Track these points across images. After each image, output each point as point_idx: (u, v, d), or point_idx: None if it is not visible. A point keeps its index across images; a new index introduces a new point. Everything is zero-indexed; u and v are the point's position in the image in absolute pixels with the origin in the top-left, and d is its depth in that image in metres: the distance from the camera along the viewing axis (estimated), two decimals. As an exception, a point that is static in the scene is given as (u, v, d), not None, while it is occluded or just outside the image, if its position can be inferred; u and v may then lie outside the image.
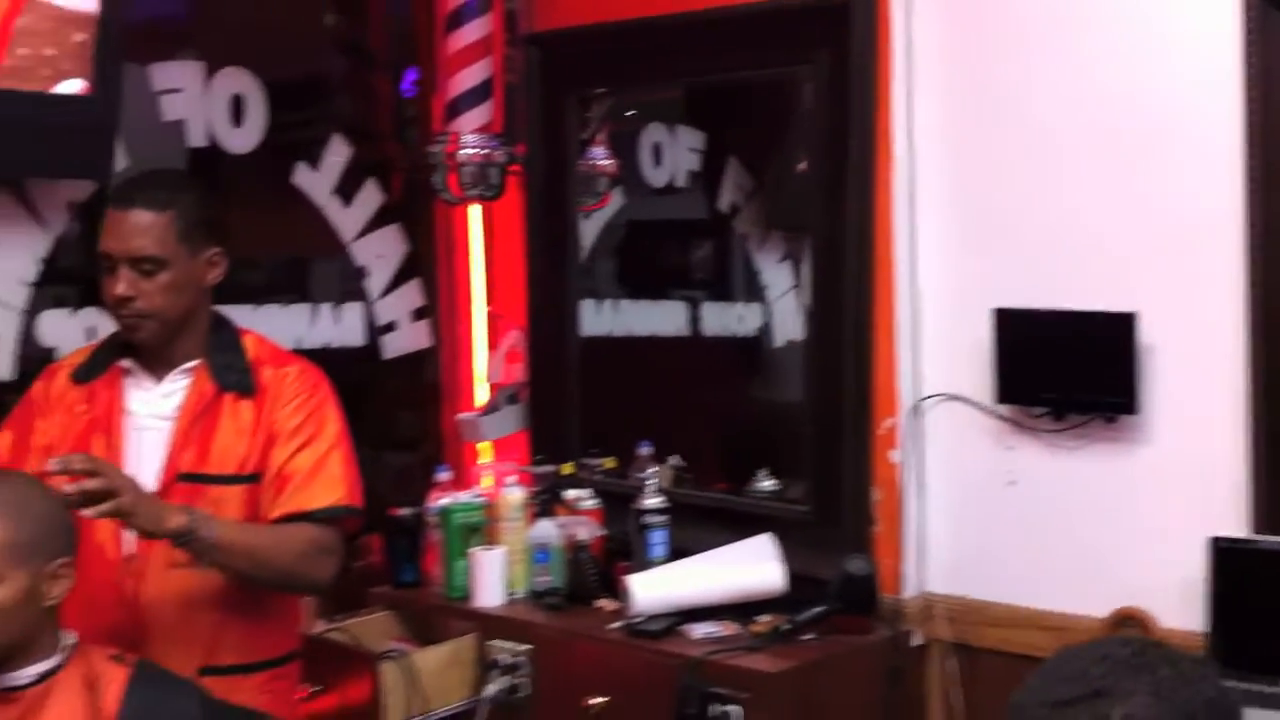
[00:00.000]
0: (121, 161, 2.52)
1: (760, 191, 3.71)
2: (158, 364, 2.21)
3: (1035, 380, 2.49)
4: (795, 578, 2.60)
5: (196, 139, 2.82)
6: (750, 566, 2.65)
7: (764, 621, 2.56)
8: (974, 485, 2.61)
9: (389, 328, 3.18)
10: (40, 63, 2.30)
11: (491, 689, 2.65)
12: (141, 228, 2.10)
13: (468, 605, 2.79)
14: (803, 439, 3.08)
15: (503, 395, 3.25)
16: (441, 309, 3.30)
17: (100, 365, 2.22)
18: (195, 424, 2.18)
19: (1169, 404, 2.36)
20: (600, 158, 3.23)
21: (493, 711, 2.63)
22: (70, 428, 2.18)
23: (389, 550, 3.01)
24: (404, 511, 2.95)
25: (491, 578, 2.79)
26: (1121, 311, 2.35)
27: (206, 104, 2.82)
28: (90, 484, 1.88)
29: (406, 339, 3.24)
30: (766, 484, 3.10)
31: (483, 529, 2.87)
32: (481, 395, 3.34)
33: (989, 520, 2.60)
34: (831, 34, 2.60)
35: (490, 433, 3.23)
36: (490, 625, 2.73)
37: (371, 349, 3.17)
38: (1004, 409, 2.54)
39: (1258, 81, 2.23)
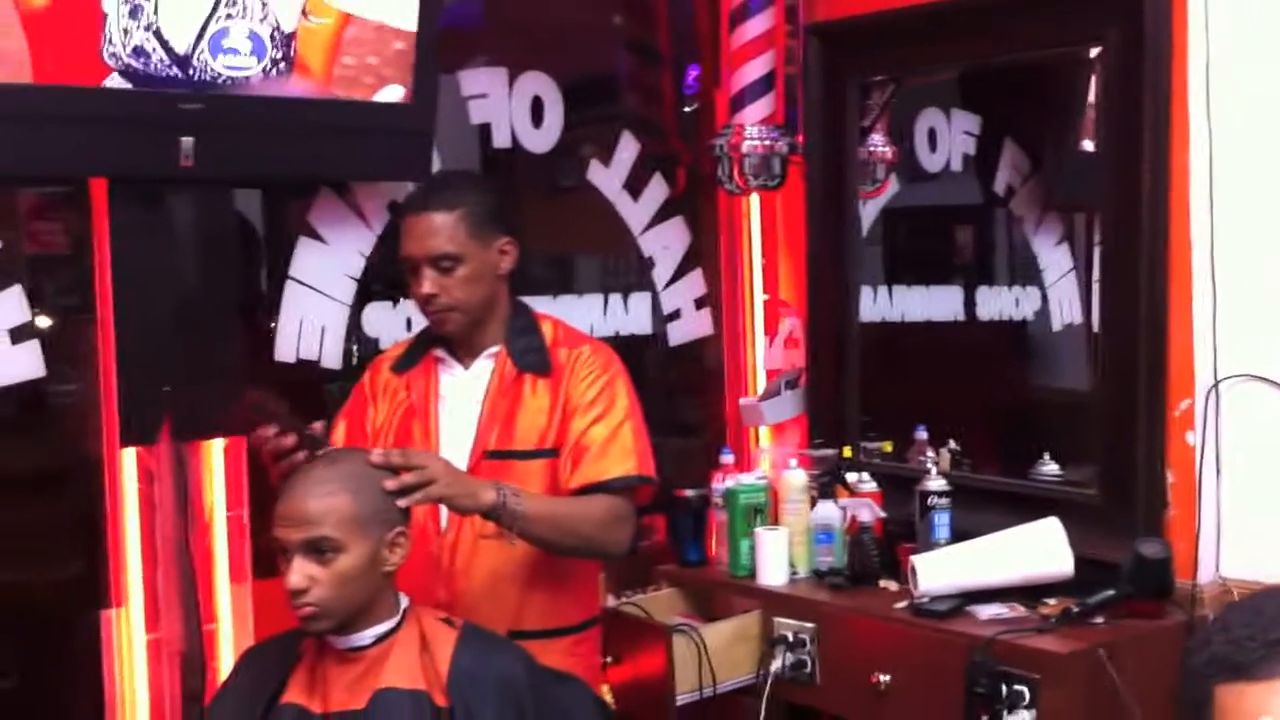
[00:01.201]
0: (436, 164, 2.70)
1: (1037, 173, 3.67)
2: (465, 351, 2.39)
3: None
4: (1080, 561, 2.58)
5: (501, 140, 2.98)
6: (1037, 549, 2.63)
7: (1051, 604, 2.55)
8: (1274, 467, 2.53)
9: (674, 316, 3.30)
10: (364, 71, 2.49)
11: (777, 664, 2.71)
12: (436, 229, 2.27)
13: (752, 583, 2.87)
14: (1084, 422, 3.06)
15: (782, 381, 3.32)
16: (723, 298, 3.40)
17: (416, 356, 2.42)
18: (499, 404, 2.34)
19: None
20: (879, 144, 3.26)
21: (778, 686, 2.70)
22: (393, 414, 2.38)
23: (674, 530, 3.12)
24: (689, 492, 3.07)
25: (775, 557, 2.86)
26: None
27: (509, 107, 2.99)
28: (408, 478, 2.03)
29: (690, 327, 3.35)
30: (1048, 468, 3.09)
31: (765, 510, 2.95)
32: (759, 381, 3.43)
33: (1293, 504, 2.53)
34: (1124, 10, 2.56)
35: (770, 417, 3.31)
36: (774, 603, 2.79)
37: (658, 337, 3.30)
38: (1311, 389, 2.47)
39: None
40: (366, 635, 1.98)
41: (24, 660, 2.61)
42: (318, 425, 2.17)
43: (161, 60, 2.26)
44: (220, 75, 2.33)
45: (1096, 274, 3.35)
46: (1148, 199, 2.54)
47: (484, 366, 2.39)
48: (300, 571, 1.91)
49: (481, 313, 2.35)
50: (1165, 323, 2.57)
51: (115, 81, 2.23)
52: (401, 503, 2.02)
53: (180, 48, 2.28)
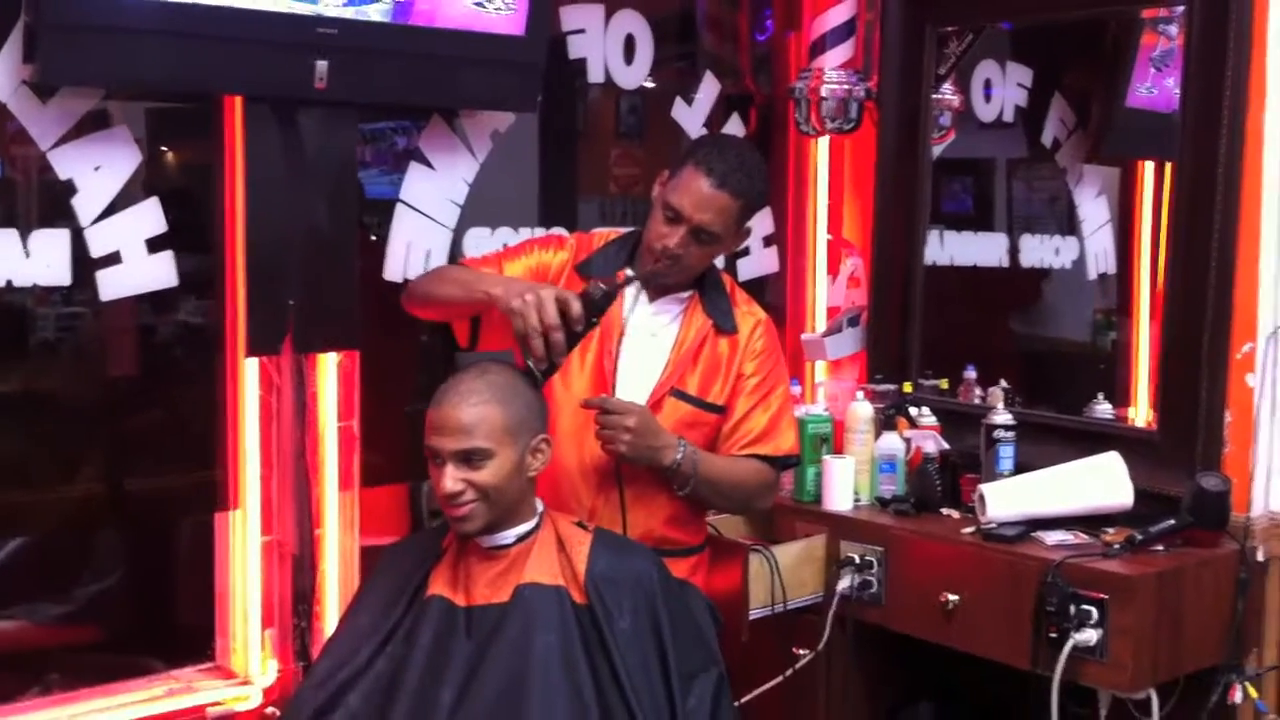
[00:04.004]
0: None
1: (1083, 126, 3.81)
2: (655, 288, 2.48)
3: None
4: (1139, 494, 2.73)
5: (595, 76, 3.08)
6: (1099, 482, 2.78)
7: (1112, 533, 2.69)
8: (1329, 411, 2.69)
9: (744, 253, 3.41)
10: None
11: (844, 584, 2.85)
12: (715, 205, 2.37)
13: (818, 508, 3.00)
14: (1123, 363, 3.17)
15: (845, 318, 3.45)
16: (788, 236, 3.51)
17: (605, 266, 2.46)
18: (691, 348, 2.47)
19: None
20: (948, 93, 3.38)
21: (845, 605, 2.84)
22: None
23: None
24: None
25: (842, 484, 2.99)
26: None
27: (604, 43, 3.07)
28: (605, 433, 2.26)
29: (758, 263, 3.46)
30: (1102, 407, 3.25)
31: (830, 439, 3.09)
32: (819, 318, 3.56)
33: (1343, 445, 2.69)
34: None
35: (833, 353, 3.44)
36: (840, 527, 2.93)
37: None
38: (1368, 337, 2.62)
39: None
40: (509, 535, 2.11)
41: (145, 559, 2.73)
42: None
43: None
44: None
45: (1147, 224, 3.53)
46: (1225, 154, 2.66)
47: (669, 309, 2.49)
48: (453, 477, 2.03)
49: (693, 275, 2.48)
50: (1233, 271, 2.70)
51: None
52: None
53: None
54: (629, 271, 2.36)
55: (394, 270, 2.76)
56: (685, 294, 2.51)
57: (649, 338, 2.49)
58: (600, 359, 2.44)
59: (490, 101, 2.73)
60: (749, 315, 2.57)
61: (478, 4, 2.57)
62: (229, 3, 2.28)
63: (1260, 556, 2.71)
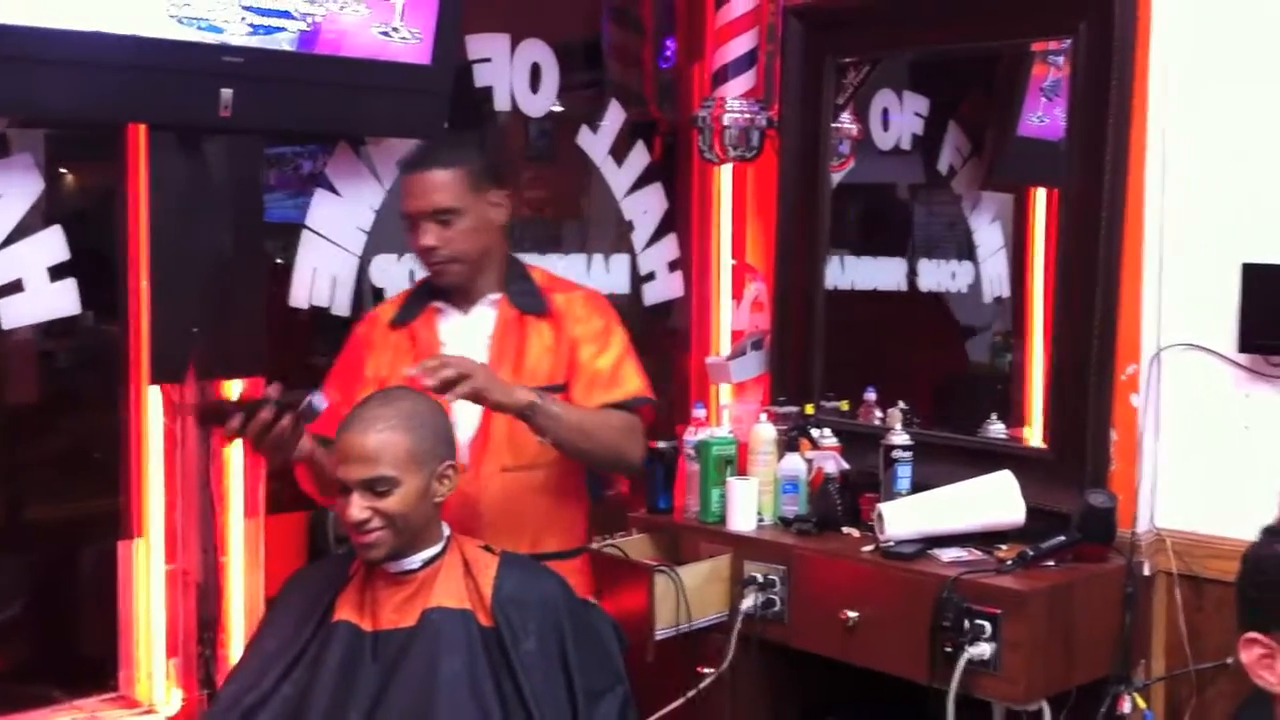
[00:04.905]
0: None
1: (977, 154, 3.92)
2: (464, 300, 2.55)
3: (1277, 330, 2.67)
4: (1031, 511, 2.81)
5: (502, 103, 3.12)
6: (993, 500, 2.85)
7: (1005, 549, 2.76)
8: (1209, 428, 2.79)
9: (649, 277, 3.47)
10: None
11: (748, 602, 2.89)
12: (436, 185, 2.43)
13: (722, 529, 3.03)
14: (1017, 384, 3.24)
15: (749, 341, 3.51)
16: (693, 261, 3.57)
17: (415, 309, 2.56)
18: (506, 344, 2.51)
19: None
20: (846, 122, 3.46)
21: (749, 623, 2.88)
22: (399, 364, 2.49)
23: (648, 479, 3.30)
24: (661, 444, 3.23)
25: (746, 504, 3.02)
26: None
27: (511, 72, 3.12)
28: (446, 373, 2.21)
29: (663, 288, 3.52)
30: (995, 427, 3.35)
31: (734, 461, 3.13)
32: (724, 341, 3.62)
33: (1221, 461, 2.78)
34: (1095, 4, 2.78)
35: (737, 375, 3.50)
36: (744, 547, 2.96)
37: (635, 297, 3.47)
38: (1243, 358, 2.71)
39: None
40: (415, 559, 2.13)
41: (47, 588, 2.70)
42: (273, 389, 2.28)
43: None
44: (258, 27, 2.44)
45: (1040, 249, 3.64)
46: (1108, 182, 2.77)
47: (484, 312, 2.55)
48: (359, 505, 2.06)
49: (480, 262, 2.51)
50: (1118, 295, 2.81)
51: (166, 29, 2.32)
52: (448, 398, 2.17)
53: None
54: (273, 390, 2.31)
55: (300, 297, 2.77)
56: (493, 296, 2.55)
57: (474, 348, 2.51)
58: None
59: (396, 129, 2.76)
60: (567, 293, 2.62)
61: (384, 33, 2.60)
62: (134, 31, 2.29)
63: (1146, 570, 2.82)
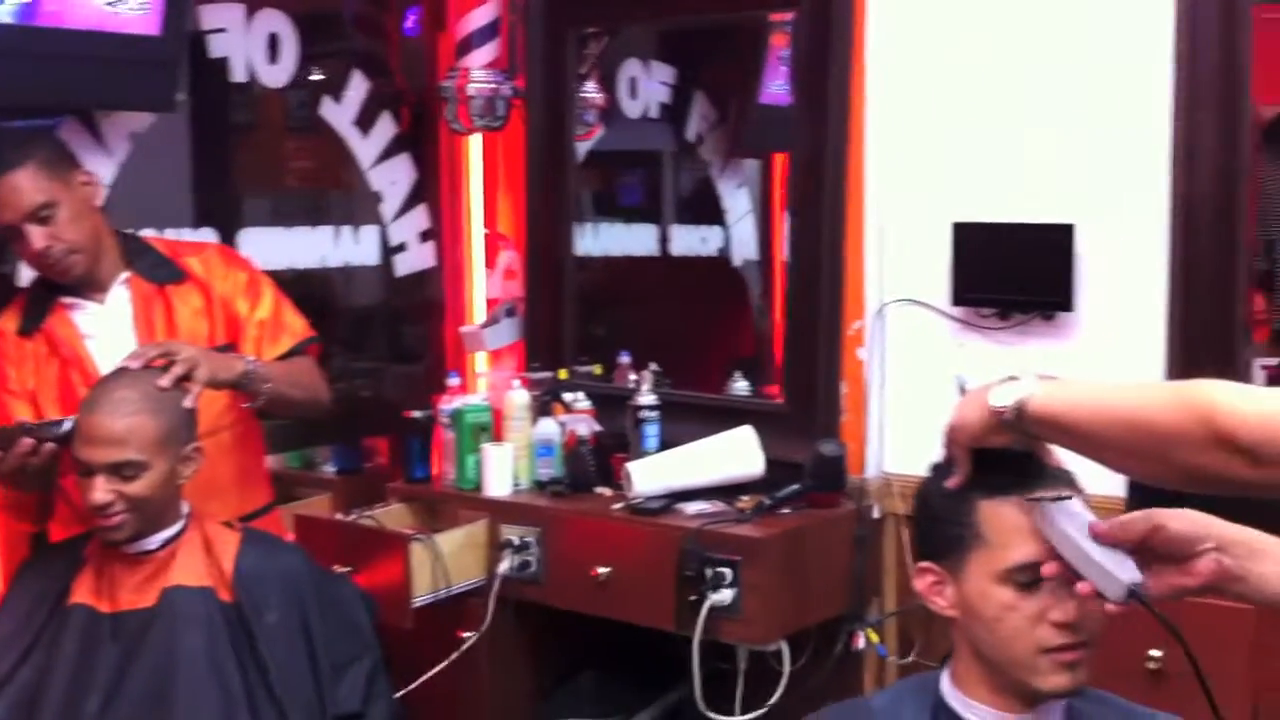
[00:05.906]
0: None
1: (723, 122, 4.06)
2: (94, 289, 2.47)
3: (985, 284, 2.84)
4: (771, 463, 2.95)
5: (238, 74, 3.07)
6: (734, 454, 2.98)
7: (747, 500, 2.90)
8: (929, 378, 2.96)
9: (400, 248, 3.47)
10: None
11: (504, 566, 2.96)
12: (19, 186, 2.32)
13: (479, 495, 3.09)
14: (764, 345, 3.38)
15: (502, 309, 3.56)
16: (444, 231, 3.59)
17: (40, 313, 2.46)
18: (154, 319, 2.47)
19: (1100, 302, 2.72)
20: (592, 91, 3.53)
21: (506, 586, 2.95)
22: (45, 371, 2.43)
23: (404, 449, 3.33)
24: (416, 414, 3.26)
25: (501, 470, 3.09)
26: (1061, 223, 2.71)
27: (247, 42, 3.07)
28: (178, 369, 2.17)
29: (415, 259, 3.53)
30: (740, 384, 3.50)
31: (490, 428, 3.19)
32: (479, 310, 3.67)
33: (941, 408, 2.95)
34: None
35: (491, 343, 3.55)
36: (500, 511, 3.03)
37: (385, 268, 3.47)
38: (957, 311, 2.89)
39: (1186, 15, 2.54)
40: (155, 540, 2.12)
41: None
42: (24, 416, 2.24)
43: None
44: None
45: (781, 213, 3.80)
46: (832, 146, 2.92)
47: (119, 294, 2.49)
48: (104, 489, 2.03)
49: (96, 248, 2.44)
50: (843, 254, 2.97)
51: None
52: (187, 402, 2.15)
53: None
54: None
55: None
56: (123, 276, 2.50)
57: (121, 331, 2.46)
58: (87, 382, 2.35)
59: (125, 102, 2.70)
60: (198, 254, 2.62)
61: (109, 4, 2.54)
62: None
63: (876, 514, 2.99)
